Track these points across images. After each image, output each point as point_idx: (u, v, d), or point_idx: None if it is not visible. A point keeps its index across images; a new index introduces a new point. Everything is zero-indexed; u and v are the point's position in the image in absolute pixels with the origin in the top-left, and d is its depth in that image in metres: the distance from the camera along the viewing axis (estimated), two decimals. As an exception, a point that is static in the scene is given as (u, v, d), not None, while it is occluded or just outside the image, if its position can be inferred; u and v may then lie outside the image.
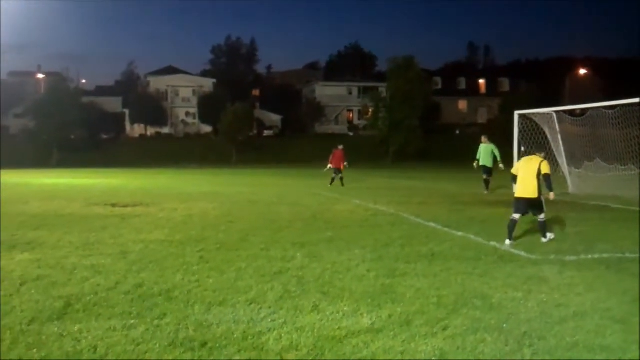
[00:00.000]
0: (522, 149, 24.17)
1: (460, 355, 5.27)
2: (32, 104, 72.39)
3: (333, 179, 28.22)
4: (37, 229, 12.93)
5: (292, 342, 5.54)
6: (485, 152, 23.91)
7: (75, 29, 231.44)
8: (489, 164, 23.83)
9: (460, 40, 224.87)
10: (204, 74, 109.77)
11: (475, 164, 24.49)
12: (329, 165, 28.39)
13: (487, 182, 23.86)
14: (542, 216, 11.35)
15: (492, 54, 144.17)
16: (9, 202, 18.85)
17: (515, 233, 11.52)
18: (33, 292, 7.32)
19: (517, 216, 11.36)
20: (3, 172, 38.69)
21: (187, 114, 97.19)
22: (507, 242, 11.04)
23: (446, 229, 13.01)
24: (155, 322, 6.15)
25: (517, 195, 11.51)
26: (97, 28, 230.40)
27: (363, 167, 53.90)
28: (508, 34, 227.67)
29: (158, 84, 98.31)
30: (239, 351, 5.32)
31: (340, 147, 29.47)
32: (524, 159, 11.82)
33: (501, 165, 23.46)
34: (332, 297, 7.17)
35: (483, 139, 24.69)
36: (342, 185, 27.69)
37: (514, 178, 11.71)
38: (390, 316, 6.37)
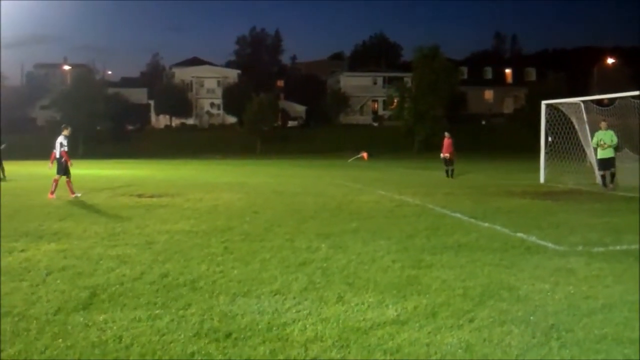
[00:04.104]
0: (550, 139, 23.89)
1: (487, 347, 5.20)
2: (58, 96, 72.95)
3: (446, 171, 27.52)
4: (63, 219, 13.03)
5: (316, 333, 5.51)
6: (606, 140, 20.35)
7: (100, 21, 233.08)
8: (611, 153, 20.33)
9: (486, 30, 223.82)
10: (229, 64, 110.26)
11: (588, 163, 21.46)
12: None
13: (609, 177, 20.26)
14: None
15: (519, 43, 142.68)
16: (35, 193, 19.04)
17: (543, 223, 11.77)
18: (59, 282, 7.37)
19: None
20: (29, 163, 39.10)
21: (212, 104, 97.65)
22: None
23: (472, 220, 12.89)
24: (180, 312, 6.15)
25: None
26: (122, 20, 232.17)
27: (388, 157, 53.83)
28: (535, 23, 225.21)
29: (183, 75, 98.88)
30: (264, 342, 5.29)
31: (447, 134, 28.44)
32: None
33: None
34: (357, 288, 7.13)
35: (603, 124, 20.83)
36: (451, 177, 27.02)
37: None
38: (415, 308, 6.31)
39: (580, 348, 5.17)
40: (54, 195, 17.65)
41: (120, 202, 16.82)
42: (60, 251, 9.35)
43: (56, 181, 18.12)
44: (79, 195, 17.81)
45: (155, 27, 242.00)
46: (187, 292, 6.93)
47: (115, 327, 5.65)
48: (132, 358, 4.96)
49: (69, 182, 18.15)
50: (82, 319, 5.91)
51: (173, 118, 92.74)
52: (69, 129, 18.91)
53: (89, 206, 15.71)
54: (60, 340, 5.31)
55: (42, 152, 54.39)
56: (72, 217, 13.37)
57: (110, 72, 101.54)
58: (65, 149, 18.20)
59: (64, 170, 18.15)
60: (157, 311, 6.17)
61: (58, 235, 10.84)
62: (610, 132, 20.43)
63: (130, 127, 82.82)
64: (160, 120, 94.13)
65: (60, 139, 18.31)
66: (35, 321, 5.83)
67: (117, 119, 74.58)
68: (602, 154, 20.47)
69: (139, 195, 18.54)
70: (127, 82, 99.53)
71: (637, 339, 5.39)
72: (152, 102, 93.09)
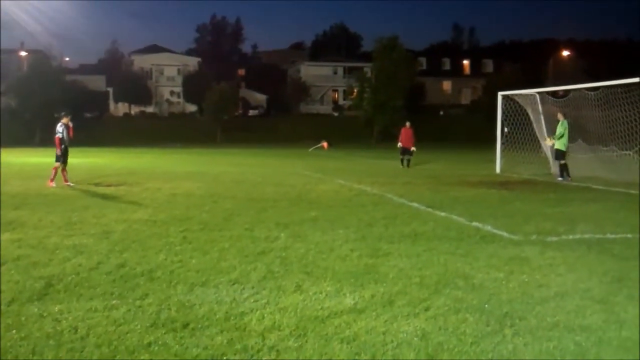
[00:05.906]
0: (506, 129, 24.26)
1: (442, 335, 5.28)
2: (14, 82, 71.38)
3: (402, 160, 27.59)
4: (17, 208, 12.81)
5: (274, 323, 5.54)
6: (564, 130, 20.69)
7: (58, 6, 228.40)
8: (559, 145, 20.75)
9: (445, 21, 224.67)
10: (189, 52, 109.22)
11: (542, 153, 22.74)
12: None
13: (565, 167, 20.72)
14: None
15: (477, 35, 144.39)
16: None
17: (498, 213, 12.08)
18: (13, 272, 7.26)
19: None
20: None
21: (172, 92, 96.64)
22: None
23: (429, 209, 13.04)
24: (137, 302, 6.12)
25: None
26: (80, 5, 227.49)
27: (348, 147, 53.97)
28: (492, 15, 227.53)
29: (142, 62, 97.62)
30: (221, 332, 5.29)
31: (408, 124, 28.58)
32: None
33: (550, 140, 21.32)
34: (315, 277, 7.17)
35: (559, 114, 21.20)
36: (408, 166, 27.05)
37: None
38: (372, 296, 6.38)
39: (533, 335, 5.28)
40: (54, 183, 17.65)
41: (77, 190, 16.61)
42: (15, 240, 9.20)
43: (55, 169, 18.07)
44: (72, 184, 17.65)
45: (114, 14, 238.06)
46: (145, 282, 6.89)
47: (70, 318, 5.60)
48: (88, 349, 4.90)
49: (55, 169, 18.01)
50: (36, 309, 5.84)
51: (132, 106, 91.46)
52: (69, 117, 18.64)
53: (45, 195, 15.46)
54: (14, 331, 5.24)
55: (-3, 139, 53.45)
56: (28, 206, 13.15)
57: (67, 59, 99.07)
58: (60, 135, 18.04)
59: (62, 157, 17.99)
60: (113, 301, 6.13)
61: (13, 225, 10.64)
62: (559, 123, 20.83)
63: (88, 115, 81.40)
64: (119, 108, 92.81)
65: (57, 126, 18.30)
66: (-12, 312, 5.74)
67: (75, 106, 73.16)
68: (561, 145, 20.77)
69: (97, 184, 18.32)
70: (85, 69, 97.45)
71: (588, 326, 5.53)
72: (110, 90, 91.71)
